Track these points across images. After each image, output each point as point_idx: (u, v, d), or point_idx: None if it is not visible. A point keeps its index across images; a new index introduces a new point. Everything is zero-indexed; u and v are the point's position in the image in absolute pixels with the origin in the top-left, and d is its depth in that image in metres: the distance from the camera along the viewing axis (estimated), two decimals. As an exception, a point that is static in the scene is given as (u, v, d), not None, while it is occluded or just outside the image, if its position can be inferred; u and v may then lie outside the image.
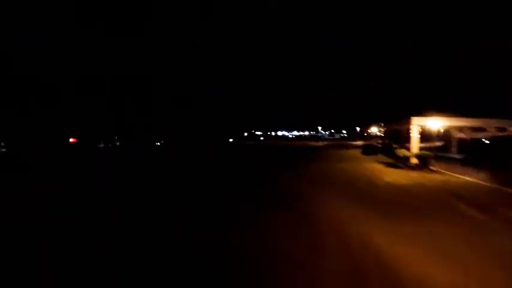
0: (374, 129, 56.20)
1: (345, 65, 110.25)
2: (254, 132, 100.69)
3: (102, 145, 56.15)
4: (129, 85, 65.30)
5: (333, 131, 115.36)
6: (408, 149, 25.00)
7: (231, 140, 75.36)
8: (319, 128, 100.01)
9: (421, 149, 26.42)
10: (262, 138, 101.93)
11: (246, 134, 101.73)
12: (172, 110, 74.03)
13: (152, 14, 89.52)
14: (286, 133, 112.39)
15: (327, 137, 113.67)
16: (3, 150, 40.17)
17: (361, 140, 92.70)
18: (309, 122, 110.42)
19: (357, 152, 36.61)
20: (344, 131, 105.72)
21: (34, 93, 49.97)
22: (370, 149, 33.55)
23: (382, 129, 52.02)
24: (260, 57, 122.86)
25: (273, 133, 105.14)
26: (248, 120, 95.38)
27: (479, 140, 25.09)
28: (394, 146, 28.88)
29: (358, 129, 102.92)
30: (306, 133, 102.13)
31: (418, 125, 21.28)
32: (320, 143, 67.35)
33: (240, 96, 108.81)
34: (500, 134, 21.53)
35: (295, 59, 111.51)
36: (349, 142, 76.09)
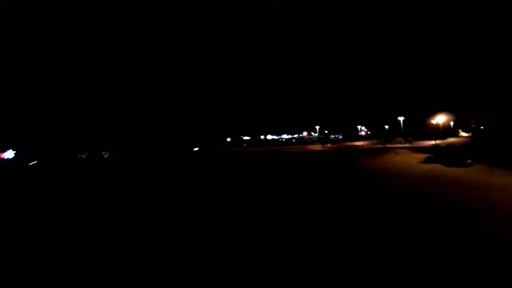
0: (440, 119, 40.91)
1: (344, 63, 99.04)
2: (241, 137, 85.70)
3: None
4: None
5: (326, 131, 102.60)
6: None
7: (196, 148, 58.98)
8: (317, 127, 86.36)
9: None
10: (245, 144, 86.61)
11: (229, 139, 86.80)
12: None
13: (152, 14, 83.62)
14: (275, 137, 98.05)
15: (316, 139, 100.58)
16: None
17: (364, 140, 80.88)
18: (301, 123, 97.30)
19: (407, 160, 23.06)
20: (365, 129, 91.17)
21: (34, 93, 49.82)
22: (451, 154, 20.08)
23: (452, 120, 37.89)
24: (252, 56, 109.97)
25: (262, 137, 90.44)
26: (233, 123, 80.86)
27: None
28: None
29: (360, 127, 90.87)
30: (304, 134, 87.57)
31: None
32: (327, 146, 53.89)
33: (229, 96, 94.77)
34: None
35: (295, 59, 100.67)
36: (354, 143, 63.49)
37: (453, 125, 77.72)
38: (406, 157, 26.74)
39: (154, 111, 68.69)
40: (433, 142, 45.10)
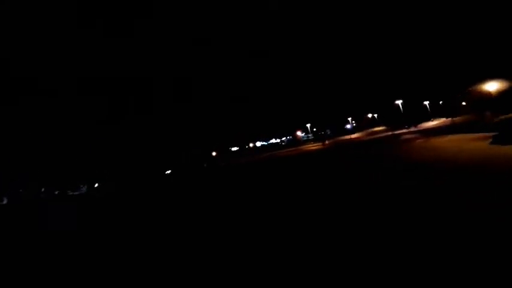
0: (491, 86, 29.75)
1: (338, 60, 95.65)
2: (229, 149, 79.82)
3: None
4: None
5: (315, 129, 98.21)
6: None
7: (168, 171, 53.00)
8: (308, 125, 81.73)
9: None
10: (233, 156, 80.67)
11: (214, 153, 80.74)
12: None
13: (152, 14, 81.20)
14: (265, 143, 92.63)
15: (306, 138, 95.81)
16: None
17: (355, 132, 76.65)
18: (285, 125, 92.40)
19: None
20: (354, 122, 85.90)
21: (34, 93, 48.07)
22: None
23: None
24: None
25: (251, 144, 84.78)
26: (219, 135, 75.00)
27: None
28: None
29: (351, 119, 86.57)
30: (298, 134, 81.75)
31: None
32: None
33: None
34: None
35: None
36: (352, 136, 59.07)
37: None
38: (451, 141, 21.34)
39: (154, 112, 65.54)
40: (432, 123, 44.48)
